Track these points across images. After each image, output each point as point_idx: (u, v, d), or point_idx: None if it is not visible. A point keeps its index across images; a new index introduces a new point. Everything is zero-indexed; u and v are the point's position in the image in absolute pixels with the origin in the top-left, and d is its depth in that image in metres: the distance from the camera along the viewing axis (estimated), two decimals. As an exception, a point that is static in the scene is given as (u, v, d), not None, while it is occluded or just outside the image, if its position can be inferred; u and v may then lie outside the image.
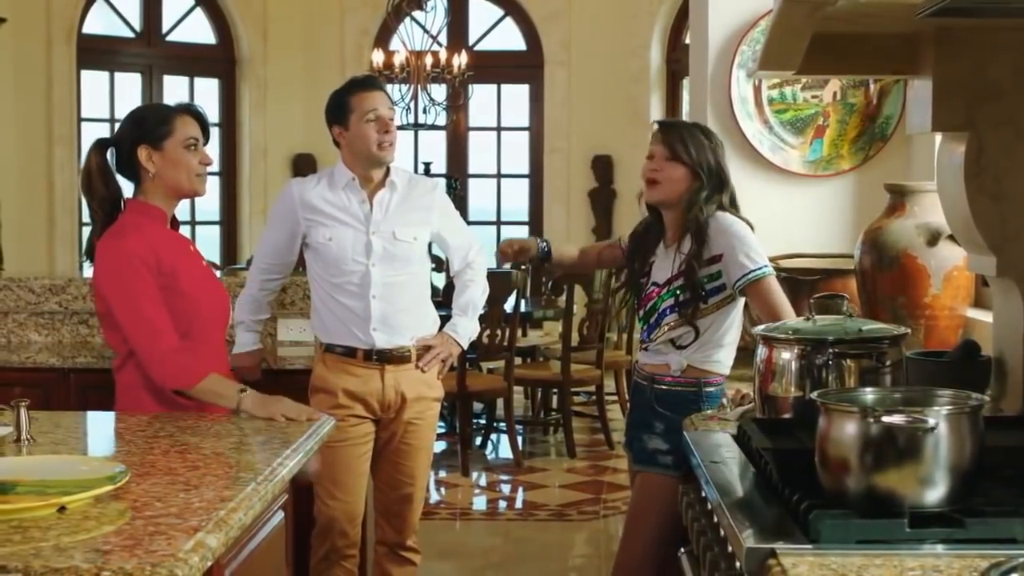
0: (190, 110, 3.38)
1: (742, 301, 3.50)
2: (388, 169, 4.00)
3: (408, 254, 3.98)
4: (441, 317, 4.14)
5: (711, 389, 3.47)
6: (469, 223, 4.47)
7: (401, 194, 3.99)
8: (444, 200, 4.15)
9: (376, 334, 3.92)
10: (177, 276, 3.28)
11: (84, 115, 9.98)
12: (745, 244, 3.42)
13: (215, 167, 8.20)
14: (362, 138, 3.91)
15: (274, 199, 4.15)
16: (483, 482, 7.20)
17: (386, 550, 4.12)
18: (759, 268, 3.40)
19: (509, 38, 11.19)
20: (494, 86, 11.18)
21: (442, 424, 8.21)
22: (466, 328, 4.14)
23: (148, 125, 3.31)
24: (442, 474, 7.21)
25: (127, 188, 3.39)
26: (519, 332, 7.90)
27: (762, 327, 3.01)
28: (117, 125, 3.48)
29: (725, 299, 3.46)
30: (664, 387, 3.49)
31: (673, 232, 3.53)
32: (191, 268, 3.38)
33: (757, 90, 4.61)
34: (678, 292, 3.45)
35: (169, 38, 10.62)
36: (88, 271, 3.69)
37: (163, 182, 3.30)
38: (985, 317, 3.49)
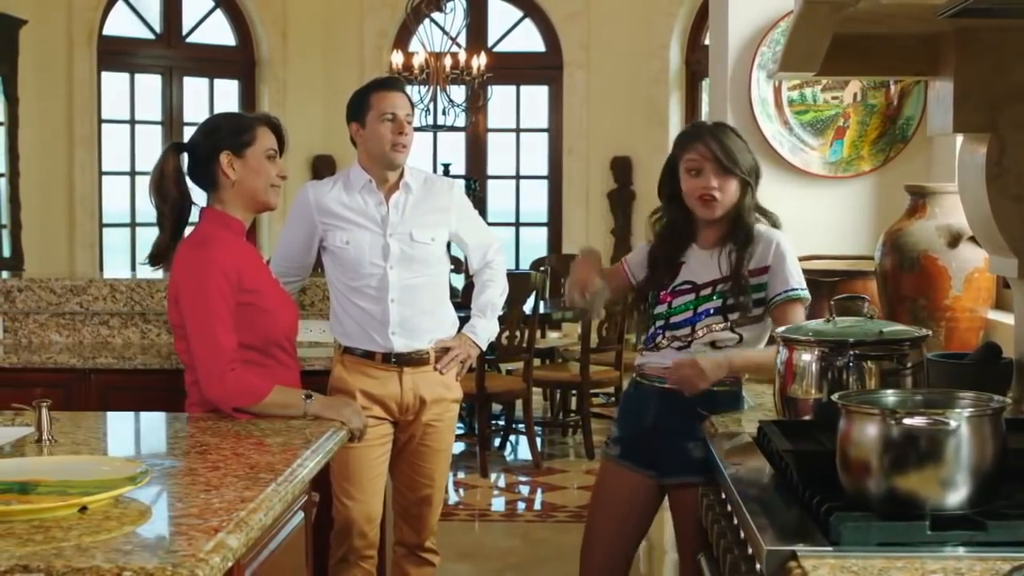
0: (269, 121, 3.37)
1: None
2: (403, 171, 4.00)
3: (426, 256, 3.97)
4: (460, 318, 4.14)
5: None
6: (488, 224, 4.46)
7: (417, 195, 3.99)
8: (462, 199, 4.14)
9: (395, 338, 3.92)
10: (260, 293, 3.27)
11: (105, 116, 10.01)
12: (793, 262, 3.40)
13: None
14: (377, 137, 3.91)
15: (292, 199, 4.14)
16: (502, 483, 7.20)
17: (405, 551, 4.13)
18: (800, 288, 3.39)
19: (528, 39, 11.19)
20: (513, 87, 11.18)
21: (461, 425, 8.20)
22: (485, 329, 4.13)
23: (230, 132, 3.30)
24: (461, 475, 7.22)
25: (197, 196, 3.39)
26: (538, 333, 7.90)
27: (783, 328, 3.01)
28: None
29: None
30: (711, 388, 3.33)
31: (713, 235, 3.43)
32: (269, 282, 3.38)
33: (777, 91, 4.59)
34: (727, 296, 3.38)
35: (189, 40, 10.65)
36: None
37: (241, 190, 3.29)
38: (1006, 319, 3.48)
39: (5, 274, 5.41)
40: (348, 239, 3.93)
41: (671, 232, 3.50)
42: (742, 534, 2.27)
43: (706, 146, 3.36)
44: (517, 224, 11.33)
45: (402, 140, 3.92)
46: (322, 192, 4.00)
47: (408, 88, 4.14)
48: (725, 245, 3.41)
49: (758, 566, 2.02)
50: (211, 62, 10.75)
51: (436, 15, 9.20)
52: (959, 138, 3.16)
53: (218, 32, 10.82)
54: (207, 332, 3.16)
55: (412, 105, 4.06)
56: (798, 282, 3.39)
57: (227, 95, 10.81)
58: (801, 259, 4.04)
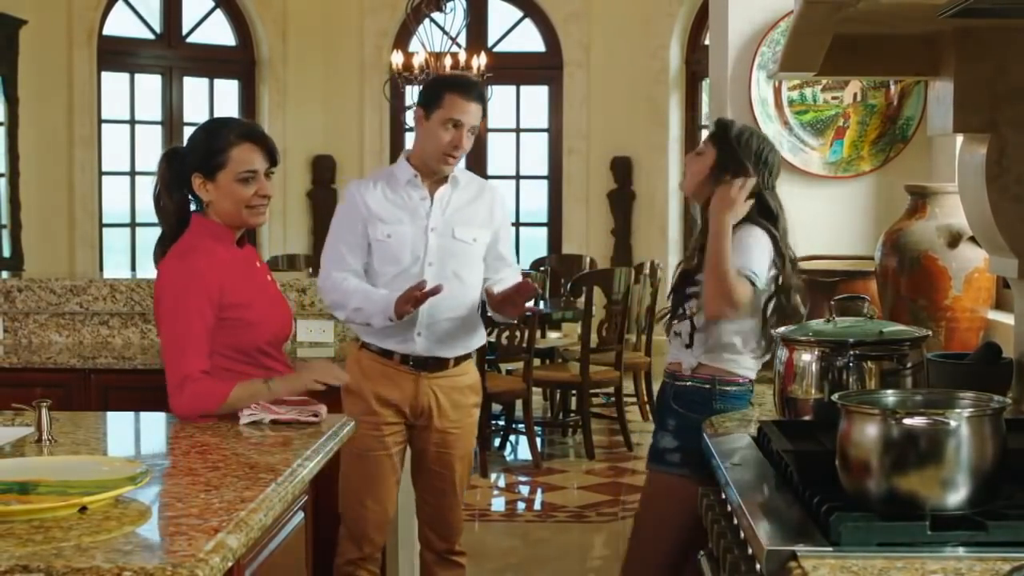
0: (254, 137, 3.24)
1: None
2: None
3: (466, 255, 3.89)
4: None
5: (729, 389, 3.37)
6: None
7: (464, 192, 3.92)
8: (506, 210, 4.09)
9: (420, 339, 3.83)
10: (246, 306, 3.22)
11: (104, 116, 10.02)
12: (743, 246, 3.33)
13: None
14: (434, 138, 3.82)
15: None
16: (502, 483, 7.20)
17: (434, 556, 4.05)
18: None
19: (528, 39, 11.20)
20: (513, 87, 11.19)
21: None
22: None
23: (204, 154, 3.21)
24: (461, 475, 7.22)
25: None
26: (538, 333, 7.90)
27: (783, 329, 3.01)
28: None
29: None
30: (680, 383, 3.42)
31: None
32: (257, 291, 3.31)
33: (777, 91, 4.59)
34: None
35: (189, 40, 10.66)
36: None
37: (217, 210, 3.22)
38: (1006, 319, 3.48)
39: (5, 274, 5.42)
40: (390, 232, 3.84)
41: None
42: (742, 534, 2.27)
43: None
44: (517, 224, 11.32)
45: (456, 153, 3.83)
46: (366, 190, 3.89)
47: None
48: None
49: (758, 566, 2.02)
50: (211, 62, 10.75)
51: (436, 15, 9.20)
52: (959, 138, 3.16)
53: (218, 32, 10.83)
54: (176, 349, 3.13)
55: (485, 113, 3.95)
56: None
57: (227, 95, 10.82)
58: (801, 259, 4.06)
